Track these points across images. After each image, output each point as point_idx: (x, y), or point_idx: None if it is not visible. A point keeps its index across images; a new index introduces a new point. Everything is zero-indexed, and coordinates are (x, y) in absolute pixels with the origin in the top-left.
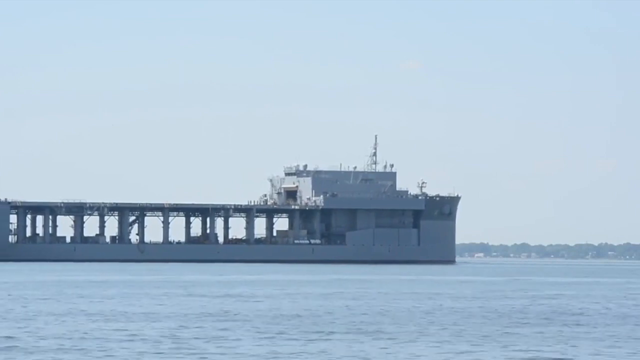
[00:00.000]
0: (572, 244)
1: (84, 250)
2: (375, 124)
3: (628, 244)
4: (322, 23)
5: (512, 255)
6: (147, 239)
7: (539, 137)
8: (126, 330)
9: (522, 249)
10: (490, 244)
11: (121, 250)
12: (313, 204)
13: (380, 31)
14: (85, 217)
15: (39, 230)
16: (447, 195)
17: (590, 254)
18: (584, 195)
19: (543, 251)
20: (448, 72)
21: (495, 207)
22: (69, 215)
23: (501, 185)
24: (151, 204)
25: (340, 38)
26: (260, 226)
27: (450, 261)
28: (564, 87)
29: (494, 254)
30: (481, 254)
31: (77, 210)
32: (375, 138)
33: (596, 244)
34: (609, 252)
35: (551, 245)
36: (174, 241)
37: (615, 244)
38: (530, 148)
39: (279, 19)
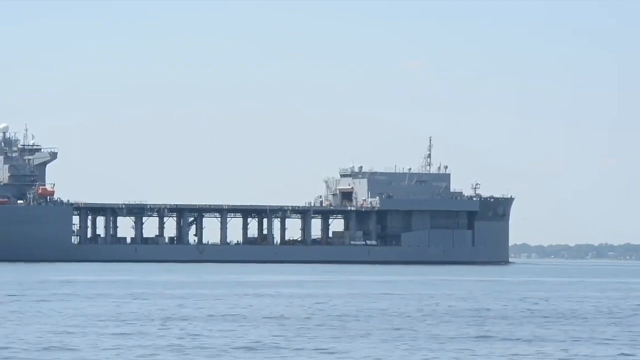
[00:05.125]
0: (572, 244)
1: (145, 250)
2: (428, 126)
3: (628, 244)
4: (323, 23)
5: (512, 255)
6: (205, 240)
7: (539, 137)
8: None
9: (522, 249)
10: None
11: (181, 251)
12: (369, 205)
13: (381, 31)
14: (144, 218)
15: (100, 231)
16: (500, 196)
17: (590, 254)
18: (584, 195)
19: (543, 251)
20: (449, 72)
21: None
22: (129, 216)
23: (501, 185)
24: (209, 205)
25: (341, 38)
26: (315, 227)
27: (504, 262)
28: (564, 87)
29: None
30: None
31: (138, 212)
32: (430, 140)
33: (596, 244)
34: (609, 253)
35: (551, 245)
36: (232, 242)
37: (615, 244)
38: (530, 148)
39: (280, 19)
